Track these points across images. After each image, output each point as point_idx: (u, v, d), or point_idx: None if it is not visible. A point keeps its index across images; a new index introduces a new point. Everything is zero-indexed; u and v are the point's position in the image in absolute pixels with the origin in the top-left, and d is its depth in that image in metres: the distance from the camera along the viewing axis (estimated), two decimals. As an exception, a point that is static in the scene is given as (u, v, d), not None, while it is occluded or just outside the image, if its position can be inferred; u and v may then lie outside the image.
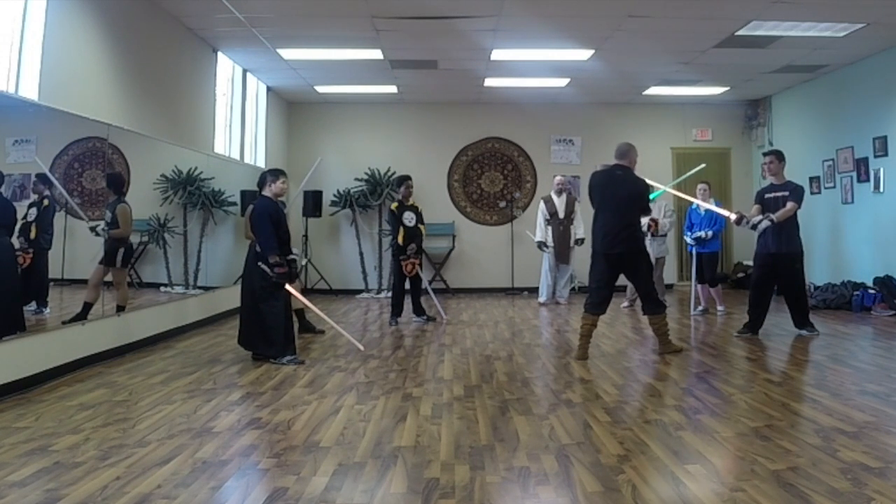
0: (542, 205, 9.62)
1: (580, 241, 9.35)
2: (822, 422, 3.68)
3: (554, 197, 9.53)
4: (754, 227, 6.36)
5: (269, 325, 5.49)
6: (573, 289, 10.30)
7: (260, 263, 5.50)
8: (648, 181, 6.36)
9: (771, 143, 10.69)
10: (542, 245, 9.49)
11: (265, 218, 5.52)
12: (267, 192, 5.73)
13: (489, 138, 11.64)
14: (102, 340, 5.60)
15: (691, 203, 8.17)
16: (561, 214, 9.41)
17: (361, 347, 5.96)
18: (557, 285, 9.63)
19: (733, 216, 6.50)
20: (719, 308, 8.23)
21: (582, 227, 9.38)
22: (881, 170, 8.33)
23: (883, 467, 2.96)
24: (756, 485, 2.80)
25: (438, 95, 10.91)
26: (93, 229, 5.76)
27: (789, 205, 6.27)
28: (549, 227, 9.47)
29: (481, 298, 10.50)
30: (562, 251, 9.42)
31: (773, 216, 6.23)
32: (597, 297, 5.66)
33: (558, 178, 9.78)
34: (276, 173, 5.81)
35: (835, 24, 7.12)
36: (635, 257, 5.59)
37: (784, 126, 10.73)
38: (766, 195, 6.53)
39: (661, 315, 5.69)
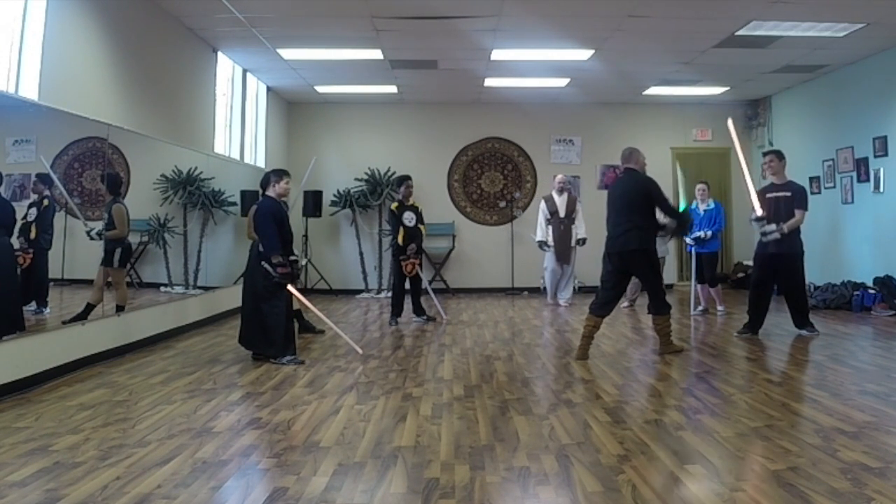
0: (542, 204, 9.53)
1: (582, 242, 9.26)
2: (822, 422, 3.68)
3: (555, 196, 9.43)
4: (764, 234, 6.33)
5: (270, 325, 5.50)
6: (574, 289, 10.29)
7: (263, 263, 5.51)
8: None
9: (771, 143, 10.69)
10: (542, 244, 9.40)
11: (269, 218, 5.53)
12: (270, 193, 5.74)
13: (489, 138, 11.64)
14: (102, 340, 5.60)
15: (692, 203, 8.16)
16: (562, 213, 9.30)
17: (360, 350, 5.93)
18: (559, 286, 9.57)
19: (760, 212, 6.36)
20: (719, 308, 8.22)
21: (583, 227, 9.26)
22: (881, 170, 8.33)
23: (883, 467, 2.96)
24: (756, 485, 2.80)
25: (438, 95, 10.91)
26: (88, 233, 5.75)
27: (798, 214, 6.27)
28: (550, 227, 9.37)
29: (481, 298, 10.50)
30: (563, 251, 9.28)
31: (784, 227, 6.22)
32: (602, 298, 5.66)
33: (559, 176, 9.65)
34: (279, 173, 5.81)
35: (835, 24, 7.13)
36: (637, 257, 5.55)
37: (784, 126, 10.73)
38: (768, 195, 6.50)
39: (665, 315, 5.68)
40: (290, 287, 5.68)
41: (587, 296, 6.00)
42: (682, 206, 6.88)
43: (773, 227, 6.29)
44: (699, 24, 7.20)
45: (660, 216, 5.76)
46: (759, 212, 6.41)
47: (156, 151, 6.94)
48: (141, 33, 6.41)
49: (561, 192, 9.42)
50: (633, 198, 5.59)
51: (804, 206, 6.33)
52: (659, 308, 5.67)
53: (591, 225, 8.91)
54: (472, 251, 11.44)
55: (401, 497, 2.76)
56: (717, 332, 6.94)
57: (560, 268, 9.41)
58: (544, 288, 9.99)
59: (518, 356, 5.82)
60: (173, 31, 7.10)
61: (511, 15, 6.86)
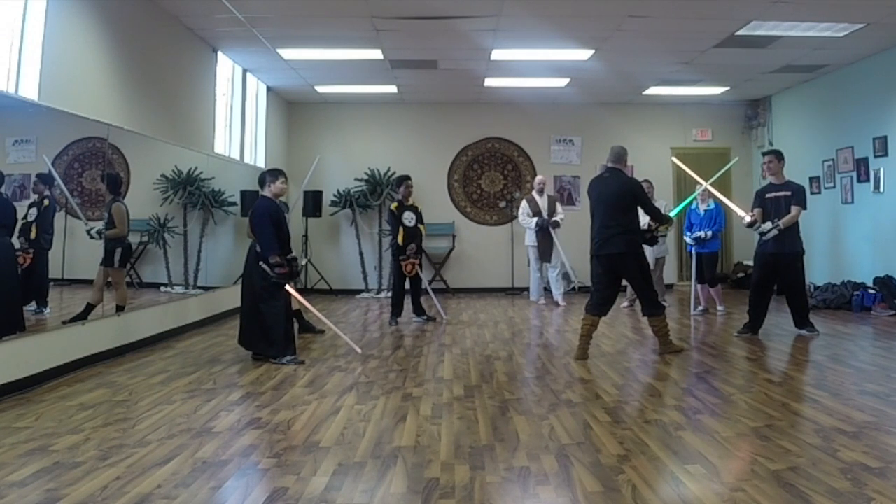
0: (524, 203, 9.61)
1: (555, 224, 9.28)
2: (822, 422, 3.68)
3: (536, 196, 9.53)
4: (763, 233, 6.36)
5: (269, 325, 5.50)
6: (573, 289, 10.29)
7: (261, 263, 5.51)
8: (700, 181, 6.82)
9: (771, 143, 10.69)
10: (539, 222, 9.30)
11: (266, 218, 5.53)
12: (267, 193, 5.74)
13: (489, 138, 11.64)
14: (102, 340, 5.60)
15: (692, 203, 8.17)
16: (544, 213, 9.39)
17: (359, 350, 5.93)
18: (550, 285, 9.61)
19: (748, 217, 6.50)
20: (719, 308, 8.23)
21: (561, 215, 9.42)
22: (881, 170, 8.33)
23: (883, 467, 2.96)
24: (756, 485, 2.80)
25: (438, 95, 10.91)
26: (88, 232, 5.75)
27: (794, 210, 6.28)
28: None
29: (481, 298, 10.50)
30: (544, 250, 9.41)
31: (780, 223, 6.24)
32: (596, 299, 5.66)
33: (539, 177, 9.83)
34: (275, 173, 5.81)
35: (835, 24, 7.13)
36: (625, 259, 5.54)
37: (784, 126, 10.73)
38: (767, 195, 6.51)
39: (659, 316, 5.68)
40: (288, 287, 5.68)
41: (586, 295, 6.00)
42: (677, 209, 7.15)
43: (768, 224, 6.32)
44: (699, 24, 7.20)
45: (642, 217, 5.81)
46: (747, 217, 6.50)
47: (156, 151, 6.94)
48: (141, 33, 6.41)
49: (541, 192, 9.53)
50: (622, 200, 5.57)
51: (802, 204, 6.35)
52: (651, 309, 5.67)
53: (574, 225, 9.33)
54: (472, 251, 11.44)
55: (401, 497, 2.76)
56: (717, 332, 6.94)
57: (542, 266, 9.51)
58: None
59: (518, 356, 5.82)
60: (173, 31, 7.10)
61: (511, 15, 6.86)
